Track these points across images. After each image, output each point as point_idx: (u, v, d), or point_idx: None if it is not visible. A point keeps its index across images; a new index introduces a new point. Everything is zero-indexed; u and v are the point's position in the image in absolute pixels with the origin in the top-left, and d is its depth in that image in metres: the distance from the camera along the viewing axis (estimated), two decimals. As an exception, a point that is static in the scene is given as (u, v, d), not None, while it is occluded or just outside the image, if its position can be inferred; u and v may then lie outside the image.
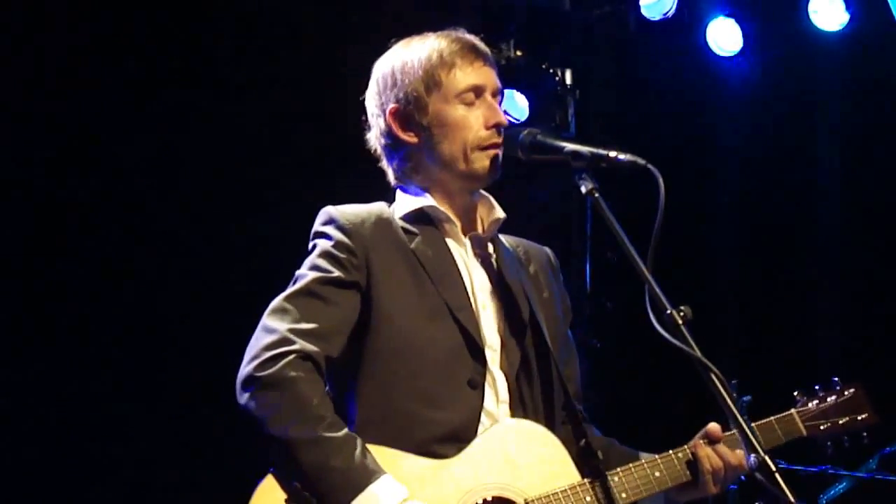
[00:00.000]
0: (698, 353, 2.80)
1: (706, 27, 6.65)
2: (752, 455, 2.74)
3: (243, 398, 3.09)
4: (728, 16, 6.63)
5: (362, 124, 3.51)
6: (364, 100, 3.49)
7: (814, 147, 7.03)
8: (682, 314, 2.85)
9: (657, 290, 2.88)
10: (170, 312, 5.85)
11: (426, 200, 3.37)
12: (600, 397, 6.73)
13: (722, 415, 2.81)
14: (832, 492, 5.09)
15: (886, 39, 6.36)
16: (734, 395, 2.76)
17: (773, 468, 2.71)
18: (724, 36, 6.65)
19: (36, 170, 5.64)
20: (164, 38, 5.83)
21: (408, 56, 3.39)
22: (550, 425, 3.33)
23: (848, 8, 6.42)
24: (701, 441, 3.35)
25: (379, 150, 3.47)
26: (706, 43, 6.65)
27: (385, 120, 3.40)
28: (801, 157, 7.00)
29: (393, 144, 3.42)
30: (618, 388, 6.80)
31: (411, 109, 3.35)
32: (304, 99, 6.10)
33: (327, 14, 6.19)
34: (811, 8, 6.49)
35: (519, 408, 3.32)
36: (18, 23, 5.54)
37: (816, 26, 6.50)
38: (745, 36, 6.63)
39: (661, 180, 2.96)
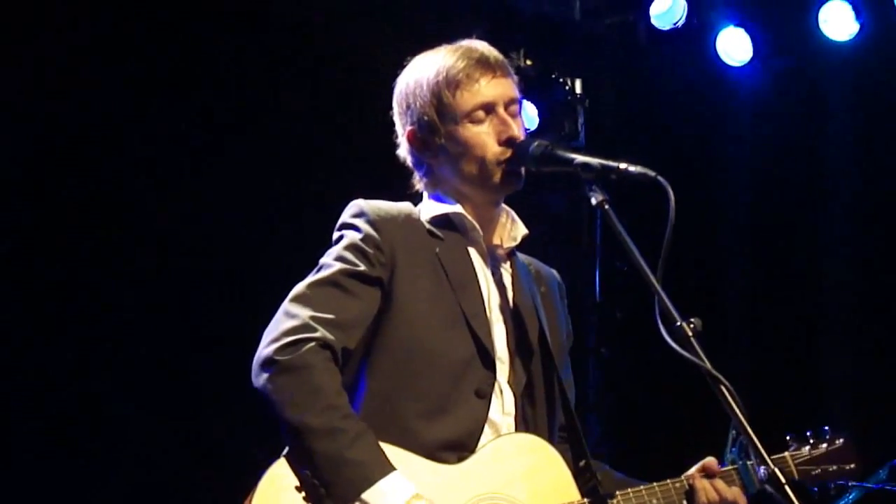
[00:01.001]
0: (708, 365, 2.79)
1: (716, 37, 6.65)
2: (763, 467, 2.75)
3: (260, 380, 3.09)
4: (738, 25, 6.63)
5: (369, 131, 3.55)
6: (380, 110, 3.53)
7: (824, 156, 7.03)
8: (692, 326, 2.84)
9: (667, 301, 2.88)
10: (169, 312, 5.86)
11: (454, 207, 3.40)
12: (609, 405, 6.75)
13: (723, 439, 2.82)
14: (841, 503, 5.08)
15: (896, 49, 6.37)
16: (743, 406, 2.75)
17: (783, 480, 2.72)
18: (734, 45, 6.65)
19: (36, 170, 5.66)
20: (165, 39, 5.85)
21: (419, 77, 3.40)
22: (551, 442, 3.34)
23: (858, 18, 6.41)
24: (698, 474, 3.37)
25: (407, 163, 3.51)
26: (716, 52, 6.66)
27: (406, 140, 3.44)
28: (812, 166, 7.00)
29: (416, 161, 3.47)
30: (626, 396, 6.81)
31: (426, 133, 3.38)
32: (305, 101, 6.13)
33: (334, 23, 6.21)
34: (821, 17, 6.48)
35: (522, 422, 3.33)
36: (18, 23, 5.56)
37: (826, 36, 6.49)
38: (754, 45, 6.63)
39: (670, 192, 2.96)
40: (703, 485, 3.33)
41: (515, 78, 3.45)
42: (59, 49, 5.62)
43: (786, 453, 3.54)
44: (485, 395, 3.27)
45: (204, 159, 5.95)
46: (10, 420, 5.57)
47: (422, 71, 3.41)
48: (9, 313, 5.57)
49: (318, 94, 6.14)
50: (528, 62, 6.54)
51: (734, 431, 2.85)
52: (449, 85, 3.33)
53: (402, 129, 3.46)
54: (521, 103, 3.45)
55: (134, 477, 5.74)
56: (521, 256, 3.55)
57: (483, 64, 3.37)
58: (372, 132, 3.61)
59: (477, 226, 3.39)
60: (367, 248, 3.24)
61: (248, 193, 6.01)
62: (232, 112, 6.00)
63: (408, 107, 3.41)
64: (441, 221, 3.39)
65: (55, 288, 5.69)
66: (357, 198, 3.38)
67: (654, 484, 3.34)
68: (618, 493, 3.30)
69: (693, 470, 3.39)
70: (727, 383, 2.77)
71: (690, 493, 3.34)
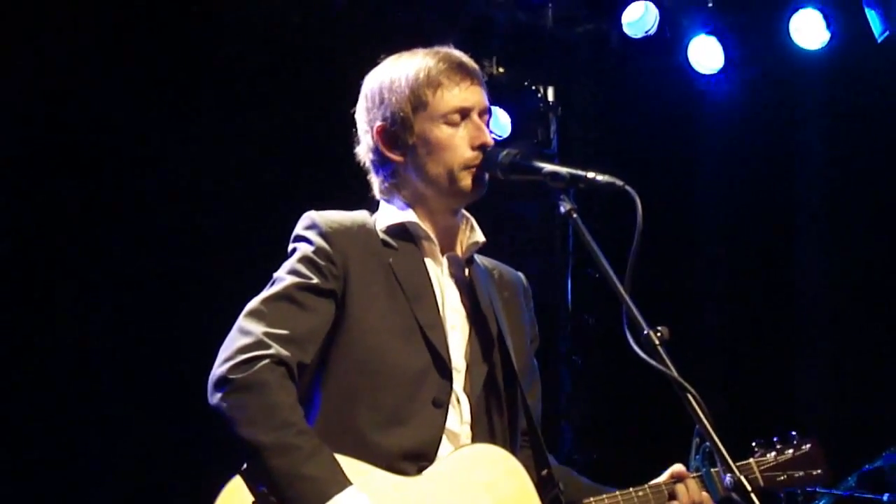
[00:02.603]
0: (675, 373, 2.79)
1: (688, 45, 6.67)
2: (728, 475, 2.75)
3: (215, 398, 3.11)
4: (709, 33, 6.64)
5: (352, 137, 3.50)
6: (354, 113, 3.48)
7: (795, 164, 7.07)
8: (659, 334, 2.84)
9: (634, 310, 2.87)
10: (169, 312, 5.87)
11: (409, 216, 3.37)
12: (581, 412, 6.76)
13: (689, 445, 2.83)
14: (810, 509, 5.10)
15: (867, 58, 6.39)
16: (710, 414, 2.75)
17: (749, 487, 2.72)
18: (706, 54, 6.66)
19: (36, 170, 5.65)
20: (165, 39, 5.86)
21: (396, 74, 3.38)
22: (512, 449, 3.34)
23: (829, 26, 6.43)
24: (671, 480, 3.37)
25: (367, 164, 3.47)
26: (688, 60, 6.67)
27: (372, 137, 3.40)
28: (783, 173, 7.04)
29: (380, 161, 3.42)
30: (598, 403, 6.82)
31: (398, 128, 3.35)
32: (297, 106, 6.15)
33: (309, 28, 6.22)
34: (792, 26, 6.50)
35: (482, 431, 3.32)
36: (18, 23, 5.56)
37: (798, 44, 6.52)
38: (726, 53, 6.65)
39: (638, 201, 2.95)
40: (682, 488, 3.34)
41: (486, 89, 3.45)
42: (59, 49, 5.61)
43: (751, 459, 3.52)
44: (442, 405, 3.25)
45: (204, 159, 5.94)
46: (10, 420, 5.55)
47: (399, 69, 3.38)
48: (9, 313, 5.57)
49: (301, 98, 6.16)
50: (501, 70, 6.56)
51: (698, 438, 2.85)
52: (430, 84, 3.32)
53: (367, 126, 3.41)
54: (490, 114, 3.44)
55: (134, 477, 5.73)
56: (483, 261, 3.53)
57: (463, 69, 3.37)
58: (350, 135, 3.58)
59: (432, 234, 3.37)
60: (319, 260, 3.23)
61: (249, 193, 6.02)
62: (232, 112, 6.01)
63: (381, 101, 3.37)
64: (396, 231, 3.36)
65: (55, 287, 5.70)
66: (351, 200, 3.38)
67: (618, 493, 3.33)
68: (582, 501, 3.29)
69: (664, 476, 3.39)
70: (693, 391, 2.76)
71: (669, 497, 3.34)
